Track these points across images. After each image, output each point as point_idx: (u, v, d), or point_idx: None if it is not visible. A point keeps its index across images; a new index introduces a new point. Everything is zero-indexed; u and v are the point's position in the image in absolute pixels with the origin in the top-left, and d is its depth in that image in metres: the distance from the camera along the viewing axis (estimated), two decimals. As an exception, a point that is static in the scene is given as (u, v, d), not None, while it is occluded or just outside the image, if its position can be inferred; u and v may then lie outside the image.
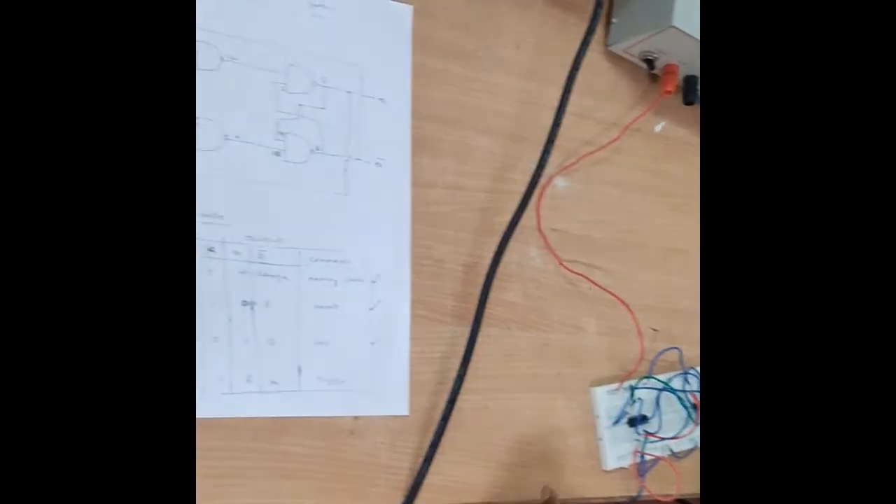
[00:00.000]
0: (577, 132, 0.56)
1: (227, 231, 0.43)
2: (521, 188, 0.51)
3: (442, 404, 0.47)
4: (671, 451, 0.55)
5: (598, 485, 0.54)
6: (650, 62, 0.57)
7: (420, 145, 0.50)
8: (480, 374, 0.50)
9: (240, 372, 0.43)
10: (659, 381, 0.55)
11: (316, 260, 0.46)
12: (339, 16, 0.48)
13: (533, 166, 0.51)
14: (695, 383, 0.56)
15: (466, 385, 0.47)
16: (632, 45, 0.56)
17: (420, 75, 0.51)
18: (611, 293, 0.55)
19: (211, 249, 0.43)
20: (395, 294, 0.48)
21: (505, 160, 0.53)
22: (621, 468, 0.54)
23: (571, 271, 0.54)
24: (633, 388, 0.54)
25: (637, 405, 0.54)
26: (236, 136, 0.44)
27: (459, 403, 0.47)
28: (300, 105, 0.46)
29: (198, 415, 0.41)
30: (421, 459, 0.46)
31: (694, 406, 0.55)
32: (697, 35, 0.51)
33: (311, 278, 0.45)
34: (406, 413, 0.47)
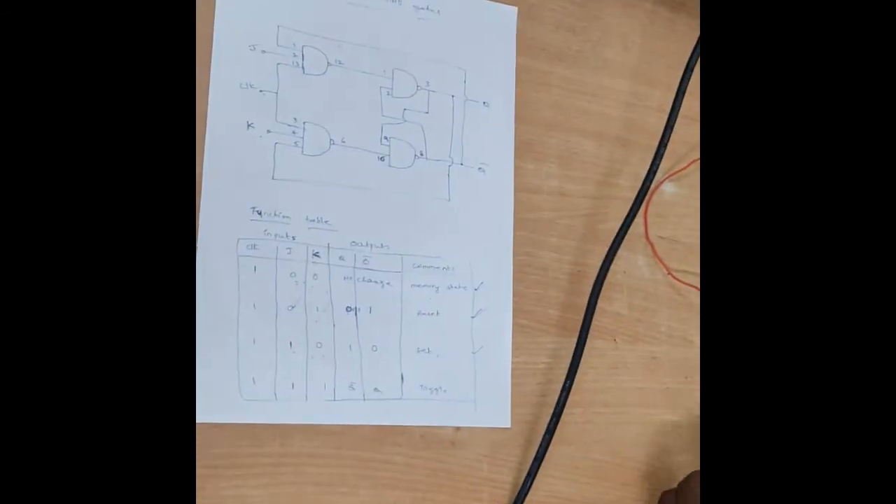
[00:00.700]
0: (686, 135, 0.53)
1: (332, 237, 0.43)
2: (627, 194, 0.50)
3: (544, 417, 0.46)
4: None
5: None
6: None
7: (523, 150, 0.49)
8: (584, 387, 0.48)
9: (343, 379, 0.42)
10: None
11: (418, 266, 0.45)
12: (443, 19, 0.47)
13: (639, 171, 0.50)
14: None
15: (570, 398, 0.45)
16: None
17: (524, 78, 0.49)
18: (721, 305, 0.52)
19: (316, 255, 0.42)
20: (497, 302, 0.47)
21: (610, 165, 0.51)
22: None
23: (681, 281, 0.51)
24: (744, 406, 0.52)
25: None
26: (342, 141, 0.44)
27: (563, 417, 0.45)
28: (405, 109, 0.46)
29: (302, 421, 0.41)
30: (524, 474, 0.44)
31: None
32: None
33: (413, 285, 0.45)
34: (508, 425, 0.46)
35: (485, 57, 0.48)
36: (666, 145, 0.48)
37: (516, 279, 0.47)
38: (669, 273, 0.51)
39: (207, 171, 0.41)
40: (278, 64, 0.43)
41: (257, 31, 0.43)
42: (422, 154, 0.46)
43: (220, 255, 0.41)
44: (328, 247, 0.43)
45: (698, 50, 0.49)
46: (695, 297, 0.52)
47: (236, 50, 0.42)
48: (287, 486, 0.40)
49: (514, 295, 0.47)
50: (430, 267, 0.45)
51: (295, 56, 0.43)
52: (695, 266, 0.52)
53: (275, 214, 0.42)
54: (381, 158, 0.45)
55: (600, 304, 0.48)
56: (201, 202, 0.41)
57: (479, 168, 0.47)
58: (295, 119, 0.43)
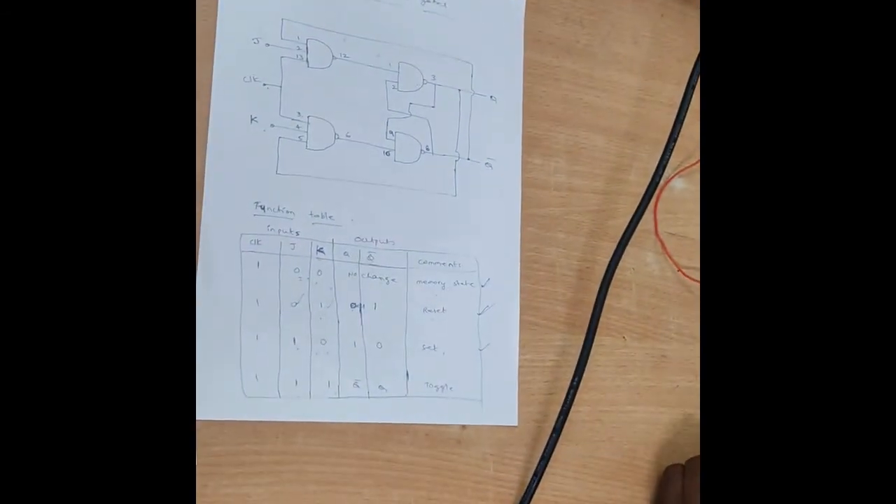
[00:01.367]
0: (696, 131, 0.52)
1: (336, 232, 0.42)
2: (637, 189, 0.49)
3: (551, 415, 0.45)
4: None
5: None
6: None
7: (531, 144, 0.48)
8: (592, 385, 0.47)
9: (347, 376, 0.42)
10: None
11: (424, 262, 0.44)
12: (450, 12, 0.47)
13: (648, 166, 0.49)
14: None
15: (578, 396, 0.45)
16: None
17: (532, 72, 0.49)
18: (732, 302, 0.51)
19: (321, 250, 0.42)
20: (504, 299, 0.46)
21: (619, 160, 0.51)
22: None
23: (690, 278, 0.51)
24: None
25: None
26: (347, 136, 0.43)
27: (570, 415, 0.44)
28: (411, 104, 0.45)
29: (306, 419, 0.41)
30: (531, 473, 0.44)
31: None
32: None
33: (419, 281, 0.44)
34: (515, 423, 0.45)
35: (492, 50, 0.48)
36: (675, 140, 0.47)
37: (524, 275, 0.47)
38: (679, 270, 0.51)
39: (210, 166, 0.40)
40: (282, 57, 0.42)
41: (261, 24, 0.42)
42: (428, 149, 0.45)
43: (223, 251, 0.40)
44: (332, 242, 0.42)
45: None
46: (705, 295, 0.51)
47: (240, 43, 0.42)
48: (290, 485, 0.40)
49: (522, 291, 0.46)
50: (436, 263, 0.45)
51: (299, 49, 0.43)
52: (705, 263, 0.52)
53: (278, 209, 0.41)
54: (387, 153, 0.44)
55: (609, 301, 0.47)
56: (204, 197, 0.40)
57: (486, 163, 0.47)
58: (299, 113, 0.42)
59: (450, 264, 0.45)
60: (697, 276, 0.51)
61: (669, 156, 0.47)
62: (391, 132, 0.44)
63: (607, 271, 0.46)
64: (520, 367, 0.46)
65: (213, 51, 0.41)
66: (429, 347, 0.44)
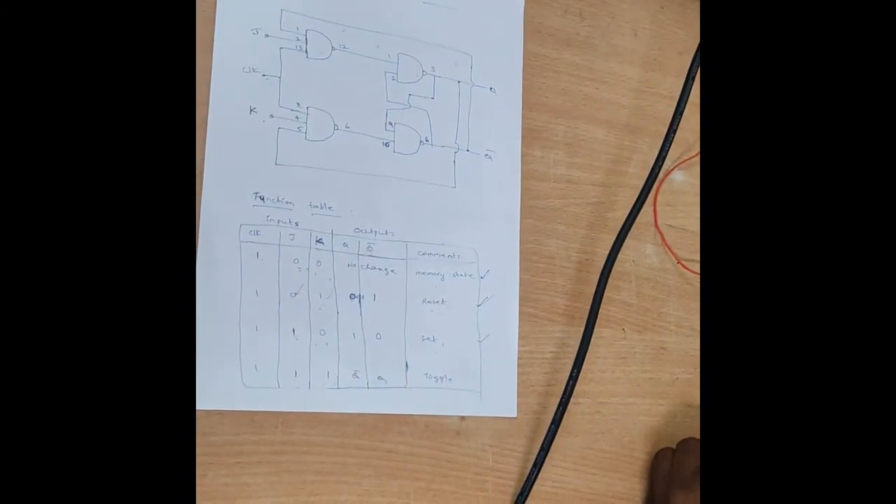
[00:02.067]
0: (695, 123, 0.52)
1: (336, 223, 0.42)
2: (636, 182, 0.49)
3: (551, 407, 0.45)
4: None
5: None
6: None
7: (531, 136, 0.48)
8: (592, 376, 0.47)
9: (346, 367, 0.42)
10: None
11: (423, 254, 0.44)
12: (450, 3, 0.47)
13: (648, 158, 0.49)
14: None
15: (577, 388, 0.45)
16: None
17: (532, 64, 0.49)
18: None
19: (320, 241, 0.42)
20: (503, 290, 0.46)
21: (619, 152, 0.51)
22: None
23: (690, 270, 0.51)
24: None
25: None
26: (346, 127, 0.43)
27: (570, 407, 0.44)
28: (410, 95, 0.45)
29: (305, 409, 0.41)
30: (530, 464, 0.44)
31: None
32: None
33: (418, 272, 0.44)
34: (514, 415, 0.45)
35: (492, 42, 0.48)
36: (675, 132, 0.47)
37: (523, 267, 0.47)
38: (679, 262, 0.51)
39: (209, 157, 0.40)
40: (281, 48, 0.42)
41: (260, 14, 0.42)
42: (427, 140, 0.45)
43: (223, 241, 0.40)
44: (332, 233, 0.42)
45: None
46: (705, 287, 0.51)
47: (239, 34, 0.42)
48: (288, 475, 0.40)
49: (521, 283, 0.46)
50: (435, 254, 0.45)
51: (298, 40, 0.43)
52: (705, 255, 0.52)
53: (278, 200, 0.41)
54: (386, 144, 0.44)
55: (608, 293, 0.47)
56: (203, 188, 0.40)
57: (486, 155, 0.47)
58: (298, 104, 0.42)
59: (449, 256, 0.45)
60: (697, 268, 0.51)
61: (669, 148, 0.47)
62: (390, 123, 0.44)
63: (606, 263, 0.46)
64: (519, 358, 0.46)
65: (212, 41, 0.41)
66: (428, 339, 0.44)
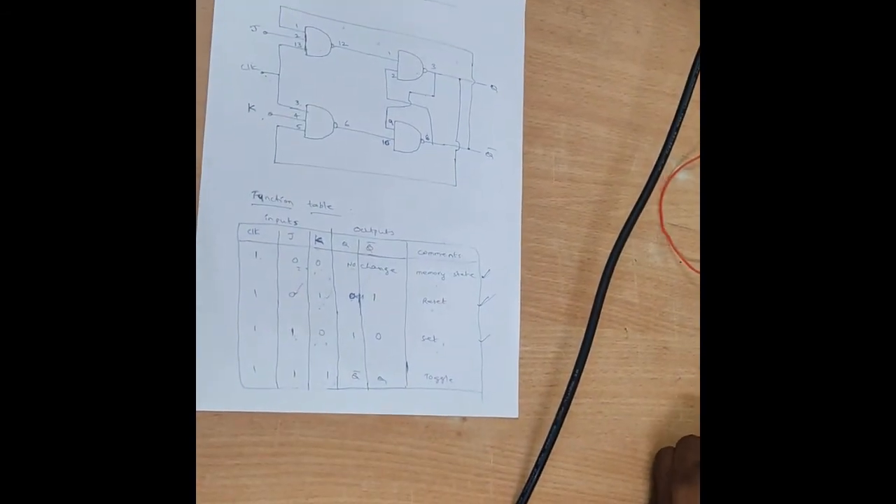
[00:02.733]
0: (699, 121, 0.52)
1: (335, 222, 0.42)
2: (639, 180, 0.48)
3: (552, 407, 0.45)
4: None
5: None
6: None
7: (532, 134, 0.48)
8: (594, 377, 0.47)
9: (346, 367, 0.41)
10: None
11: (424, 253, 0.44)
12: (450, 0, 0.46)
13: (651, 157, 0.48)
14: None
15: (579, 388, 0.44)
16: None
17: (533, 61, 0.48)
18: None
19: (319, 240, 0.42)
20: (505, 290, 0.46)
21: (622, 151, 0.50)
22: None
23: (695, 270, 0.50)
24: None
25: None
26: (346, 124, 0.43)
27: (572, 407, 0.44)
28: (410, 92, 0.45)
29: (304, 410, 0.40)
30: (531, 465, 0.43)
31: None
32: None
33: (418, 272, 0.44)
34: (515, 415, 0.45)
35: (493, 39, 0.47)
36: (678, 130, 0.46)
37: (524, 266, 0.46)
38: (683, 261, 0.50)
39: (207, 155, 0.40)
40: (280, 45, 0.42)
41: (259, 11, 0.42)
42: (427, 138, 0.45)
43: (221, 240, 0.40)
44: (331, 232, 0.42)
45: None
46: (708, 286, 0.51)
47: (237, 30, 0.41)
48: (287, 476, 0.40)
49: (523, 282, 0.46)
50: (435, 254, 0.44)
51: (297, 37, 0.42)
52: (708, 254, 0.51)
53: (276, 199, 0.41)
54: (386, 142, 0.44)
55: (610, 292, 0.46)
56: (201, 186, 0.40)
57: (487, 153, 0.46)
58: (297, 102, 0.42)
59: (450, 255, 0.45)
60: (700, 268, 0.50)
61: (671, 146, 0.46)
62: (390, 121, 0.44)
63: (609, 262, 0.45)
64: (520, 358, 0.45)
65: (211, 38, 0.41)
66: (428, 339, 0.43)
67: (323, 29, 0.43)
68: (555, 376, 0.46)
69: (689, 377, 0.49)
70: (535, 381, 0.46)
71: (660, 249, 0.50)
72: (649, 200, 0.47)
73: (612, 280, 0.46)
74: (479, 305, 0.45)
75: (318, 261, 0.41)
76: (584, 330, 0.45)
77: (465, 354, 0.44)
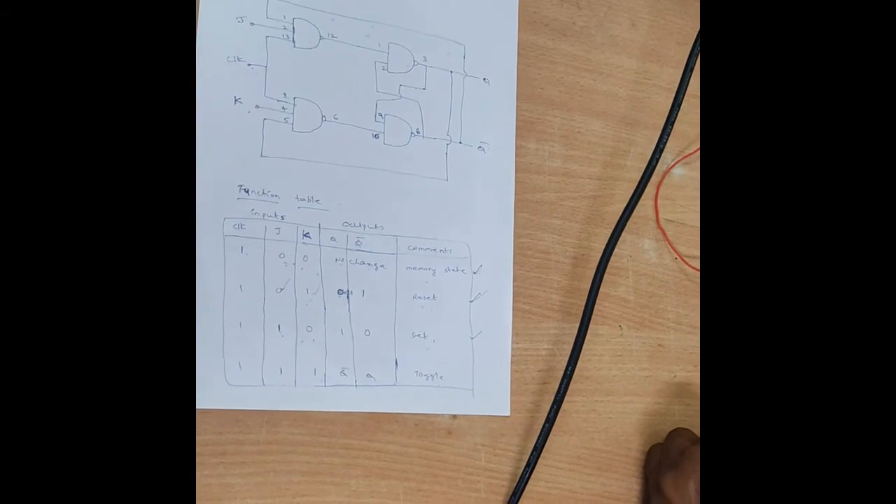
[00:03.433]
0: (695, 116, 0.51)
1: (323, 216, 0.41)
2: (634, 175, 0.48)
3: (545, 405, 0.44)
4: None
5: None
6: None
7: (526, 128, 0.47)
8: (588, 374, 0.46)
9: (334, 364, 0.41)
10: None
11: (414, 248, 0.43)
12: (442, -9, 0.46)
13: (646, 151, 0.48)
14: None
15: (573, 386, 0.44)
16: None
17: (526, 54, 0.48)
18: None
19: (307, 235, 0.41)
20: (497, 286, 0.45)
21: (616, 145, 0.49)
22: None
23: (691, 266, 0.49)
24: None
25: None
26: (335, 118, 0.42)
27: (564, 405, 0.43)
28: (401, 85, 0.44)
29: (291, 407, 0.40)
30: (523, 464, 0.43)
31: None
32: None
33: (408, 267, 0.43)
34: (507, 413, 0.44)
35: (485, 31, 0.46)
36: (673, 125, 0.45)
37: (517, 262, 0.46)
38: (679, 257, 0.49)
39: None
40: (268, 37, 0.41)
41: (246, 1, 0.41)
42: (418, 132, 0.44)
43: (206, 235, 0.39)
44: (319, 227, 0.41)
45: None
46: (704, 283, 0.50)
47: (223, 22, 0.41)
48: (274, 475, 0.39)
49: (515, 279, 0.45)
50: (426, 249, 0.44)
51: (285, 29, 0.42)
52: (704, 250, 0.50)
53: (263, 193, 0.40)
54: (376, 136, 0.43)
55: (605, 289, 0.46)
56: (186, 180, 0.39)
57: (479, 147, 0.46)
58: (285, 94, 0.41)
59: (441, 250, 0.44)
60: (697, 263, 0.50)
61: (667, 140, 0.46)
62: (380, 114, 0.43)
63: (603, 258, 0.45)
64: (513, 355, 0.45)
65: (196, 29, 0.40)
66: (419, 335, 0.43)
67: (311, 20, 0.42)
68: (548, 374, 0.45)
69: (684, 375, 0.49)
70: (527, 378, 0.45)
71: (655, 245, 0.49)
72: (644, 196, 0.46)
73: (606, 276, 0.45)
74: (471, 302, 0.44)
75: (305, 256, 0.41)
76: (577, 327, 0.44)
77: (455, 351, 0.43)
